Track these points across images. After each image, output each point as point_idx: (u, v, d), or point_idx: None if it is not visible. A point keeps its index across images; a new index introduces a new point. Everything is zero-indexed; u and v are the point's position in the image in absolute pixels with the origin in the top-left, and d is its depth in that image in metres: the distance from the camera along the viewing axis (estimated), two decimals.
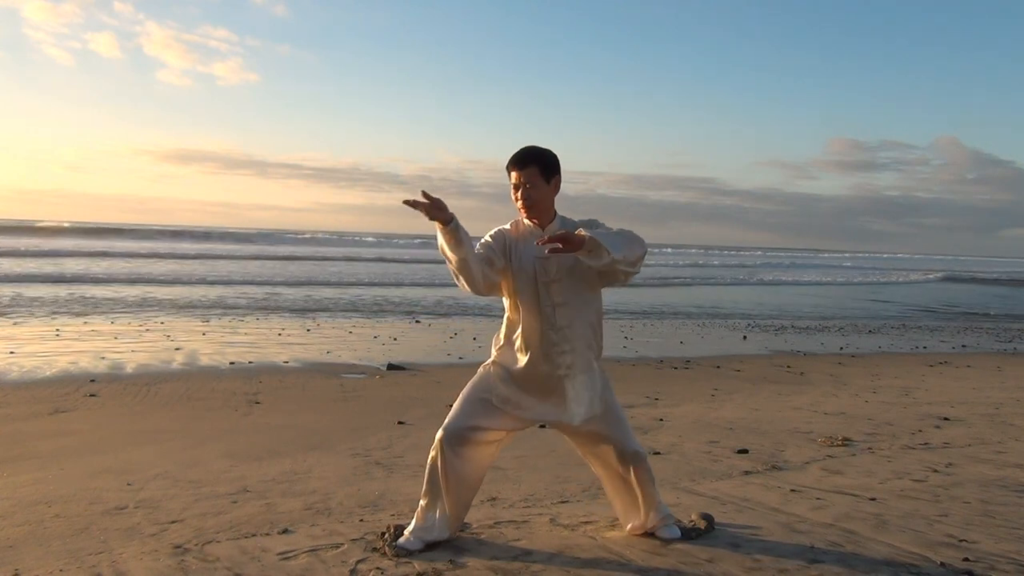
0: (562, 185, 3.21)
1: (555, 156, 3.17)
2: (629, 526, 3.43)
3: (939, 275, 48.29)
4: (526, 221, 3.23)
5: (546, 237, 2.99)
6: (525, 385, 3.19)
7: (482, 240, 3.21)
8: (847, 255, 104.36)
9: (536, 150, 3.15)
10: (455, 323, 14.66)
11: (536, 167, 3.11)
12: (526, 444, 5.26)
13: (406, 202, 2.95)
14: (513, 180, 3.15)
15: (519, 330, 3.21)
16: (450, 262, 3.07)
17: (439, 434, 3.18)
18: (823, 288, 32.89)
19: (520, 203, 3.16)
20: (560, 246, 2.93)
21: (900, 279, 43.69)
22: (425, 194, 2.96)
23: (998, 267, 73.37)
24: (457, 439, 3.16)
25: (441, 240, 3.03)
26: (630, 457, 3.27)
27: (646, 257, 3.17)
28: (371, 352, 10.69)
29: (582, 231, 2.99)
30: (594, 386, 3.22)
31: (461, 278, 3.11)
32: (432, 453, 3.20)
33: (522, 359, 3.19)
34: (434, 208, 2.96)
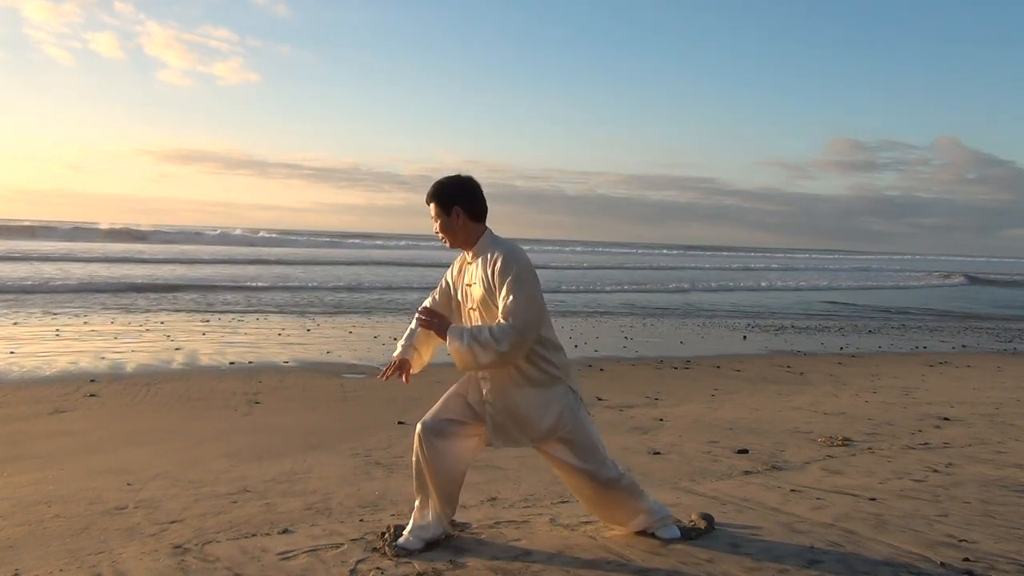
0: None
1: (452, 187, 3.21)
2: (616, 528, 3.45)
3: (960, 278, 44.77)
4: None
5: (425, 313, 3.26)
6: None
7: (439, 284, 3.45)
8: (864, 257, 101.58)
9: (433, 187, 3.24)
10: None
11: (433, 203, 3.23)
12: None
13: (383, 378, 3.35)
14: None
15: None
16: None
17: (417, 427, 3.25)
18: (851, 293, 30.31)
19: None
20: (433, 323, 3.20)
21: (921, 282, 40.74)
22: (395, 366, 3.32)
23: (1006, 268, 72.15)
24: (433, 431, 3.21)
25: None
26: (602, 484, 3.25)
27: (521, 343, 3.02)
28: (371, 352, 10.69)
29: (451, 334, 3.12)
30: (521, 412, 3.15)
31: None
32: (414, 446, 3.27)
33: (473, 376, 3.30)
34: (407, 369, 3.33)
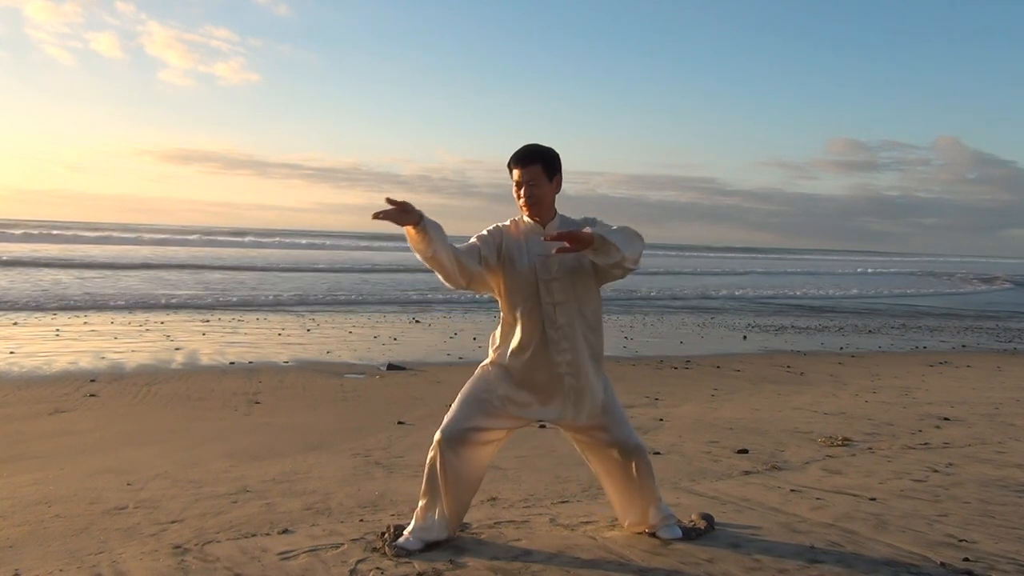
0: (563, 185, 3.25)
1: (557, 154, 3.22)
2: (628, 523, 3.44)
3: (1007, 284, 40.26)
4: (527, 219, 3.26)
5: (554, 234, 3.00)
6: (526, 384, 3.20)
7: (478, 234, 3.24)
8: (875, 259, 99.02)
9: (539, 148, 3.19)
10: (455, 323, 14.66)
11: (539, 165, 3.15)
12: (526, 444, 5.26)
13: (376, 216, 2.89)
14: (515, 178, 3.18)
15: (517, 330, 3.22)
16: (422, 257, 3.06)
17: (437, 435, 3.18)
18: (900, 300, 27.43)
19: (522, 201, 3.19)
20: (568, 245, 2.95)
21: (968, 289, 36.62)
22: (390, 200, 2.92)
23: (1012, 268, 70.93)
24: (456, 440, 3.16)
25: (410, 240, 3.01)
26: (632, 451, 3.29)
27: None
28: (371, 352, 10.69)
29: (589, 229, 2.99)
30: (596, 384, 3.24)
31: (436, 272, 3.12)
32: (431, 454, 3.20)
33: (521, 359, 3.20)
34: (402, 213, 2.92)
